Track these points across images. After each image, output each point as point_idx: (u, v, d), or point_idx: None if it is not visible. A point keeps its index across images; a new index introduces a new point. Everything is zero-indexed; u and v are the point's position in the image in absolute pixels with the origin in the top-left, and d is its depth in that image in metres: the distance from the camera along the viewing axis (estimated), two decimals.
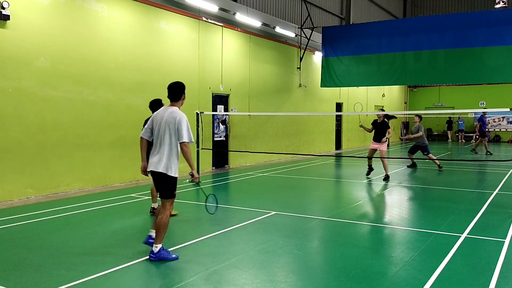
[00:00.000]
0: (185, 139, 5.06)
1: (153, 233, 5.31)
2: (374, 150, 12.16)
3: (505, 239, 5.99)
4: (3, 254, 5.38)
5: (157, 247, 5.05)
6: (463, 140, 29.05)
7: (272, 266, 5.03)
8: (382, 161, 12.11)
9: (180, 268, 4.91)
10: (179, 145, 5.11)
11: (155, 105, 6.78)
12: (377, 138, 11.98)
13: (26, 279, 4.57)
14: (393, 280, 4.53)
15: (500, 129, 29.41)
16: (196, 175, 5.22)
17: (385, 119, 12.13)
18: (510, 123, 29.13)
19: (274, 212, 7.58)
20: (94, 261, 5.13)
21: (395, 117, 12.31)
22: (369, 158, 12.27)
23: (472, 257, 5.28)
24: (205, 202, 5.85)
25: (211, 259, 5.16)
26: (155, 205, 7.28)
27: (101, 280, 4.52)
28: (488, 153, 18.88)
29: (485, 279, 4.53)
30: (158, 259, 5.03)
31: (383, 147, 12.01)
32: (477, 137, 20.12)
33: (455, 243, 5.77)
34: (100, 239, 6.05)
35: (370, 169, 12.36)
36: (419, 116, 14.45)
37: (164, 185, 5.15)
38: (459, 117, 29.32)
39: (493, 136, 29.48)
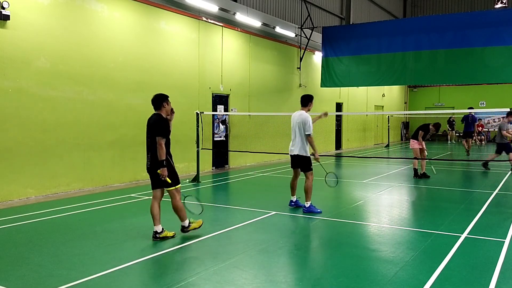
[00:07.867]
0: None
1: (293, 198, 8.00)
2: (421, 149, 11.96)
3: (505, 239, 5.99)
4: (3, 254, 5.38)
5: (308, 204, 7.49)
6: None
7: (272, 266, 5.03)
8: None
9: (180, 268, 4.91)
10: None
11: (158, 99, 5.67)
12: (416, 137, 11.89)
13: (26, 279, 4.57)
14: (393, 280, 4.53)
15: None
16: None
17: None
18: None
19: (274, 212, 7.58)
20: (94, 261, 5.13)
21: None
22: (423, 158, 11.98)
23: (472, 257, 5.28)
24: (325, 178, 8.60)
25: (211, 259, 5.16)
26: (158, 228, 5.99)
27: (101, 280, 4.52)
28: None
29: (485, 279, 4.53)
30: (309, 211, 7.34)
31: (423, 145, 11.91)
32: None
33: (455, 243, 5.77)
34: (100, 239, 6.05)
35: (424, 173, 12.05)
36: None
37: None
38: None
39: (493, 136, 29.43)
